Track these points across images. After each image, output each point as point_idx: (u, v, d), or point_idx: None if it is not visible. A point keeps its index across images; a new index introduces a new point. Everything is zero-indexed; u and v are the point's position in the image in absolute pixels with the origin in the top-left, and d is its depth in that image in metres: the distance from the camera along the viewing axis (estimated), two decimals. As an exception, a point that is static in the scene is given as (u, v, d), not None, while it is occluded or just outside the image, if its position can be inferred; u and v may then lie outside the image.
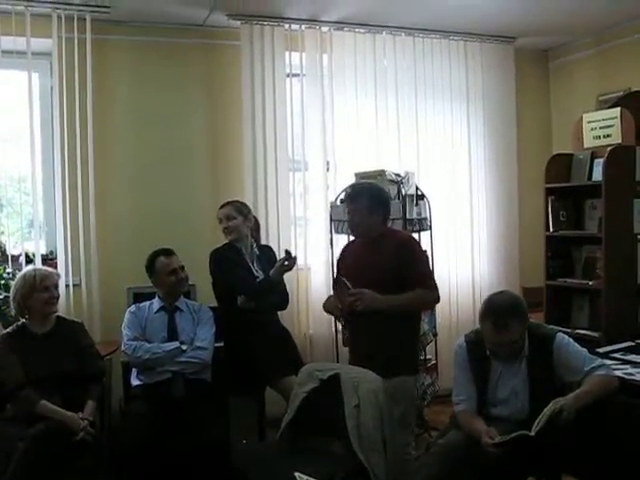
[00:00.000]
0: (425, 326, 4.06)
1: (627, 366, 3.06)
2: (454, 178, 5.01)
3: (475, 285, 5.06)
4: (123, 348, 3.43)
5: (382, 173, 4.08)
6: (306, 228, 4.71)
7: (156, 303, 3.54)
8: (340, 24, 4.66)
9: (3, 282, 3.85)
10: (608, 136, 4.05)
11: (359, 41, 4.73)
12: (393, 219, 3.70)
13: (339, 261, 3.30)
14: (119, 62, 4.42)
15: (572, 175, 4.30)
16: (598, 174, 3.99)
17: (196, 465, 3.02)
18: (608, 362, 2.94)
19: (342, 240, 4.00)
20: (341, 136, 4.71)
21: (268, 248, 3.86)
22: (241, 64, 4.49)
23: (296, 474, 2.35)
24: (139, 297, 3.78)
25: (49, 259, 4.21)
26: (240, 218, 3.61)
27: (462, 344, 2.85)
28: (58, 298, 3.26)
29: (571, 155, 4.35)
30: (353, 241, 3.31)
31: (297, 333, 4.43)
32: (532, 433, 2.43)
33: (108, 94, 4.35)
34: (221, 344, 3.59)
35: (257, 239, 3.80)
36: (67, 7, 4.07)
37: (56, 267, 3.99)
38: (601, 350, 3.34)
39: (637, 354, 3.27)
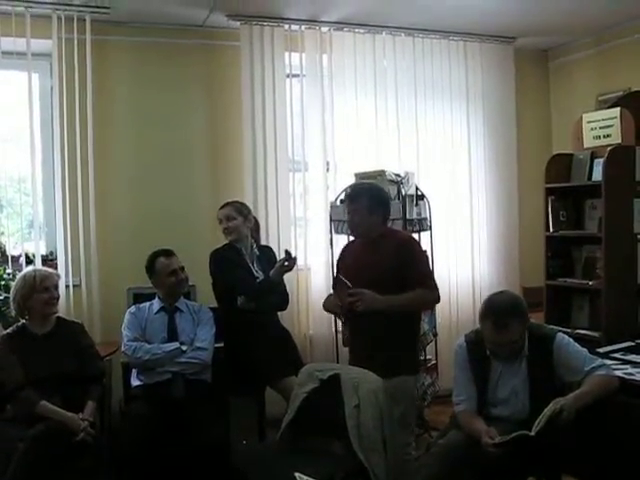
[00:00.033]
0: (425, 326, 4.06)
1: (627, 366, 3.06)
2: (454, 178, 5.01)
3: (475, 285, 5.06)
4: (123, 349, 3.43)
5: (382, 173, 4.08)
6: (306, 228, 4.71)
7: (156, 304, 3.54)
8: (340, 24, 4.66)
9: (3, 283, 3.85)
10: (608, 136, 4.05)
11: (359, 41, 4.73)
12: (393, 219, 3.70)
13: (339, 261, 3.30)
14: (119, 63, 4.42)
15: (572, 175, 4.30)
16: (598, 174, 3.99)
17: (196, 466, 3.02)
18: (608, 362, 2.94)
19: (342, 240, 4.00)
20: (341, 136, 4.71)
21: (268, 248, 3.86)
22: (241, 64, 4.49)
23: (296, 474, 2.35)
24: (139, 298, 3.78)
25: (49, 260, 4.21)
26: (240, 219, 3.61)
27: (462, 344, 2.85)
28: (58, 299, 3.26)
29: (571, 155, 4.35)
30: (353, 241, 3.31)
31: (297, 333, 4.43)
32: (532, 433, 2.43)
33: (108, 95, 4.35)
34: (221, 344, 3.59)
35: (257, 239, 3.80)
36: (67, 8, 4.07)
37: (56, 268, 3.99)
38: (601, 350, 3.34)
39: (637, 354, 3.27)
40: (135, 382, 3.44)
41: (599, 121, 4.13)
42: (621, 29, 4.71)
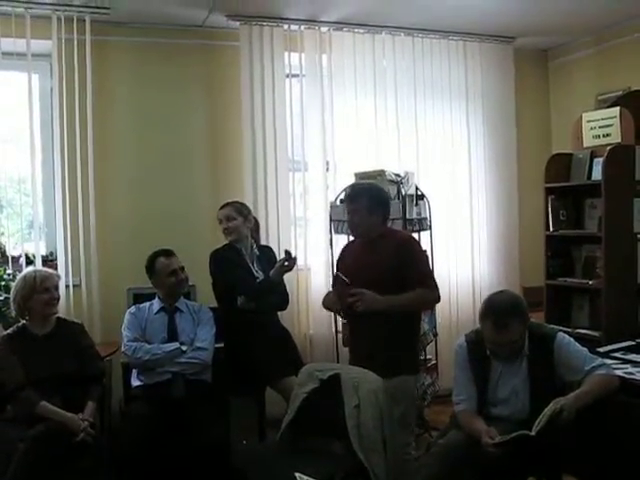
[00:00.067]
0: (425, 326, 4.06)
1: (627, 365, 3.05)
2: (454, 178, 5.01)
3: (475, 285, 5.06)
4: (123, 349, 3.43)
5: (382, 173, 4.08)
6: (306, 228, 4.71)
7: (156, 304, 3.54)
8: (339, 24, 4.66)
9: (3, 283, 3.85)
10: (607, 135, 4.05)
11: (358, 41, 4.73)
12: (393, 219, 3.70)
13: (339, 261, 3.29)
14: (119, 63, 4.43)
15: (572, 174, 4.30)
16: (598, 173, 3.99)
17: (196, 466, 3.02)
18: (608, 361, 2.94)
19: (342, 240, 4.00)
20: (341, 136, 4.71)
21: (268, 248, 3.86)
22: (240, 65, 4.49)
23: (296, 474, 2.35)
24: (139, 298, 3.78)
25: (49, 260, 4.21)
26: (240, 219, 3.61)
27: (462, 344, 2.85)
28: (58, 299, 3.26)
29: (571, 154, 4.34)
30: (353, 241, 3.31)
31: (297, 333, 4.43)
32: (532, 433, 2.43)
33: (108, 95, 4.36)
34: (221, 345, 3.59)
35: (257, 239, 3.80)
36: (67, 8, 4.07)
37: (56, 268, 3.99)
38: (601, 349, 3.34)
39: (637, 353, 3.26)
40: (135, 382, 3.44)
41: (599, 120, 4.13)
42: (620, 28, 4.71)
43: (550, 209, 4.28)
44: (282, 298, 3.70)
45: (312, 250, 4.65)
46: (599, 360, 2.73)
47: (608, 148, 3.90)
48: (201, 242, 4.05)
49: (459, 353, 2.85)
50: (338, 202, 4.25)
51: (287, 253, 3.50)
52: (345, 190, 3.78)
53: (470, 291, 5.04)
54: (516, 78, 5.18)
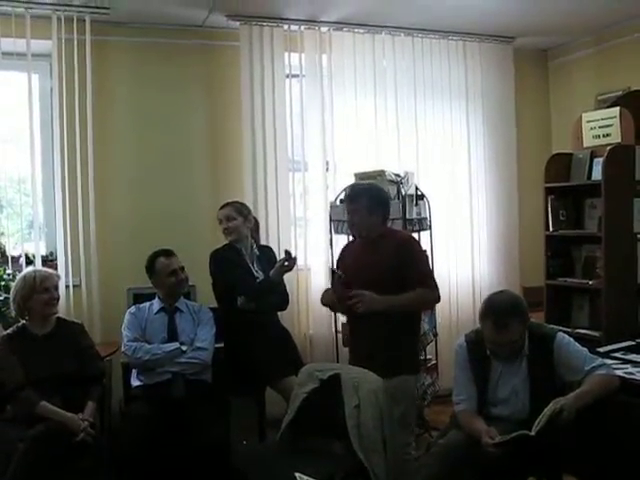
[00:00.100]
0: (425, 326, 4.06)
1: (627, 365, 3.05)
2: (454, 178, 5.01)
3: (475, 285, 5.06)
4: (123, 349, 3.43)
5: (382, 173, 4.08)
6: (306, 228, 4.71)
7: (156, 304, 3.54)
8: (339, 24, 4.66)
9: (3, 283, 3.85)
10: (607, 135, 4.05)
11: (358, 41, 4.73)
12: (393, 219, 3.70)
13: (339, 261, 3.29)
14: (119, 63, 4.43)
15: (572, 174, 4.30)
16: (598, 173, 4.00)
17: (196, 466, 3.02)
18: (608, 361, 2.94)
19: (342, 240, 4.00)
20: (341, 136, 4.71)
21: (268, 248, 3.86)
22: (240, 65, 4.49)
23: (296, 474, 2.35)
24: (139, 298, 3.78)
25: (49, 260, 4.21)
26: (240, 219, 3.61)
27: (462, 344, 2.85)
28: (58, 299, 3.26)
29: (571, 154, 4.35)
30: (353, 241, 3.32)
31: (297, 333, 4.43)
32: (532, 433, 2.43)
33: (108, 95, 4.36)
34: (221, 345, 3.59)
35: (257, 239, 3.80)
36: (67, 8, 4.07)
37: (56, 268, 3.99)
38: (601, 349, 3.33)
39: (637, 353, 3.26)
40: (135, 382, 3.44)
41: (598, 120, 4.13)
42: (620, 28, 4.71)
43: (550, 209, 4.28)
44: (282, 298, 3.70)
45: (312, 250, 4.65)
46: (599, 360, 2.73)
47: (608, 148, 3.90)
48: (201, 242, 4.05)
49: (459, 353, 2.85)
50: (338, 202, 4.25)
51: (287, 253, 3.50)
52: (345, 190, 3.77)
53: (470, 291, 5.04)
54: (516, 78, 5.18)
